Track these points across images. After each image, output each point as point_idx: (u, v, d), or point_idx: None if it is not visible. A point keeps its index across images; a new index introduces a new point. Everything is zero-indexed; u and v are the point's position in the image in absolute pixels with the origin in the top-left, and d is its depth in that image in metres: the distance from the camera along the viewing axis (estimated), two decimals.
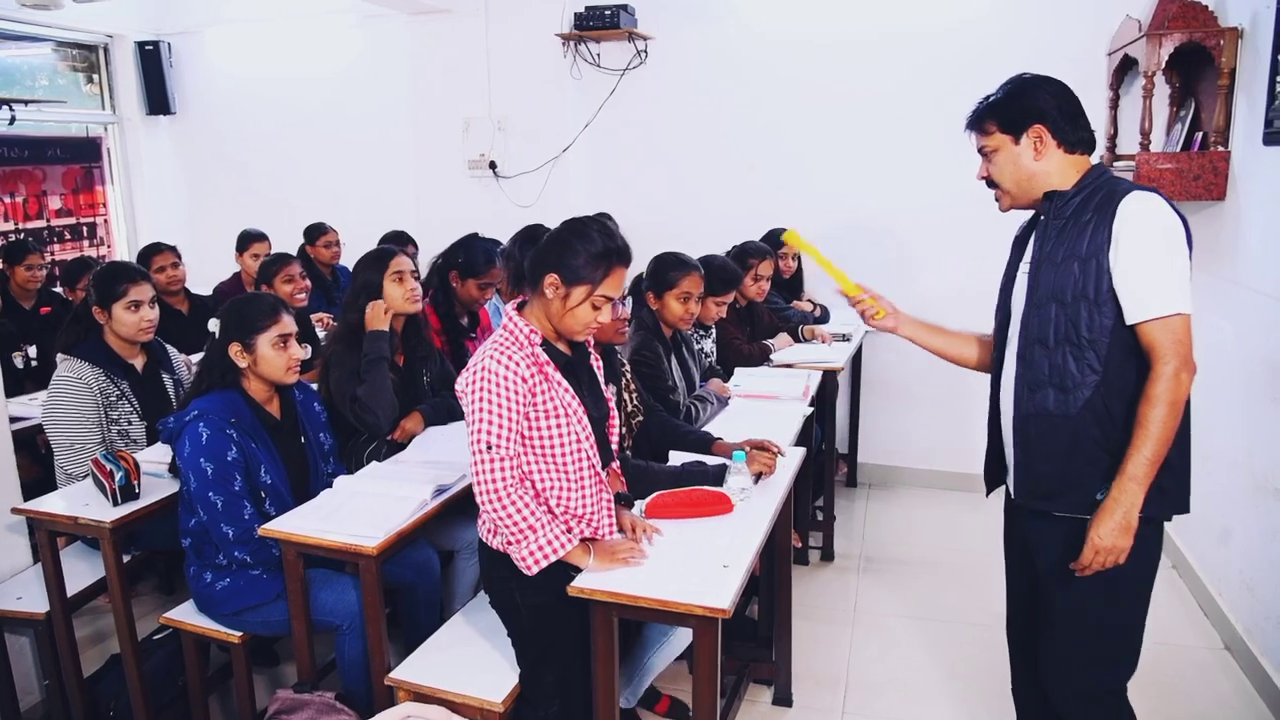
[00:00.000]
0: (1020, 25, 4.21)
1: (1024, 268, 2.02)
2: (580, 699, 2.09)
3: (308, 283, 3.98)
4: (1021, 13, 4.21)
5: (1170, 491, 1.88)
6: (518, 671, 2.13)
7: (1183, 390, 1.77)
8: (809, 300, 4.52)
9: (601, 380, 2.22)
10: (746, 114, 4.70)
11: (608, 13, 4.52)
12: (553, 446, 2.00)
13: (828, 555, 3.95)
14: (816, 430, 3.85)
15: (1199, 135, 3.57)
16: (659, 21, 4.74)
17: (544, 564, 1.96)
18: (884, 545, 4.11)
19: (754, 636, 3.01)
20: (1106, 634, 1.94)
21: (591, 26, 4.58)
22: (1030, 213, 2.09)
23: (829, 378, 3.78)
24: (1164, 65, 3.43)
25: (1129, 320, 1.81)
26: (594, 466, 2.06)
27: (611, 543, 2.05)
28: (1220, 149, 3.38)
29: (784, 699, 2.92)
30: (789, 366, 3.78)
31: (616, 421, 2.24)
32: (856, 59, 4.50)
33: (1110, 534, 1.79)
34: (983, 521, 4.31)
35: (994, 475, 2.18)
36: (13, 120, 4.90)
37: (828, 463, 3.99)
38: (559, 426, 1.99)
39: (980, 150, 2.01)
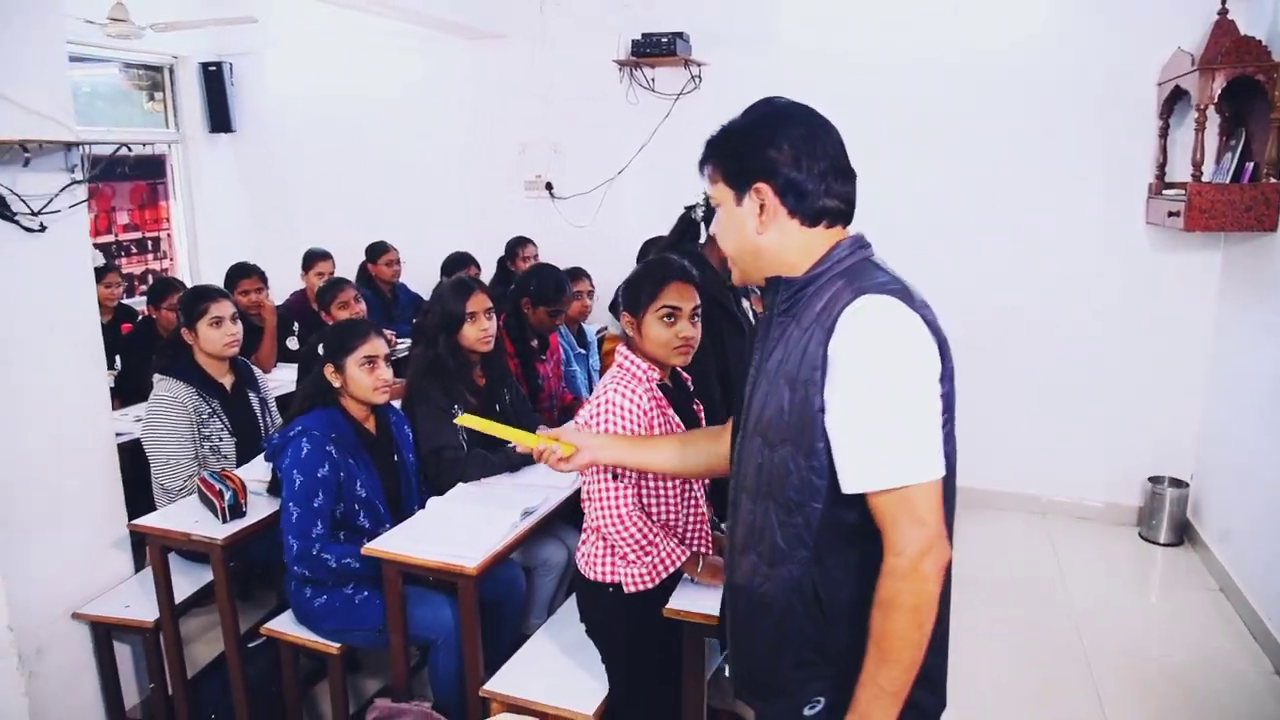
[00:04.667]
0: (1070, 51, 4.28)
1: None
2: (669, 713, 2.22)
3: (362, 306, 4.12)
4: (1071, 38, 4.28)
5: (930, 710, 1.43)
6: (606, 686, 2.27)
7: (928, 588, 1.26)
8: None
9: (701, 416, 2.36)
10: None
11: (664, 40, 4.66)
12: (665, 477, 2.14)
13: None
14: None
15: (1249, 166, 3.65)
16: (713, 49, 4.87)
17: (662, 576, 2.12)
18: None
19: None
20: None
21: (648, 54, 4.71)
22: None
23: None
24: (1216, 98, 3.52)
25: (844, 487, 1.29)
26: (697, 499, 2.20)
27: (719, 561, 2.17)
28: (1272, 180, 3.46)
29: None
30: None
31: None
32: (905, 82, 4.58)
33: None
34: (1027, 538, 4.41)
35: None
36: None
37: None
38: None
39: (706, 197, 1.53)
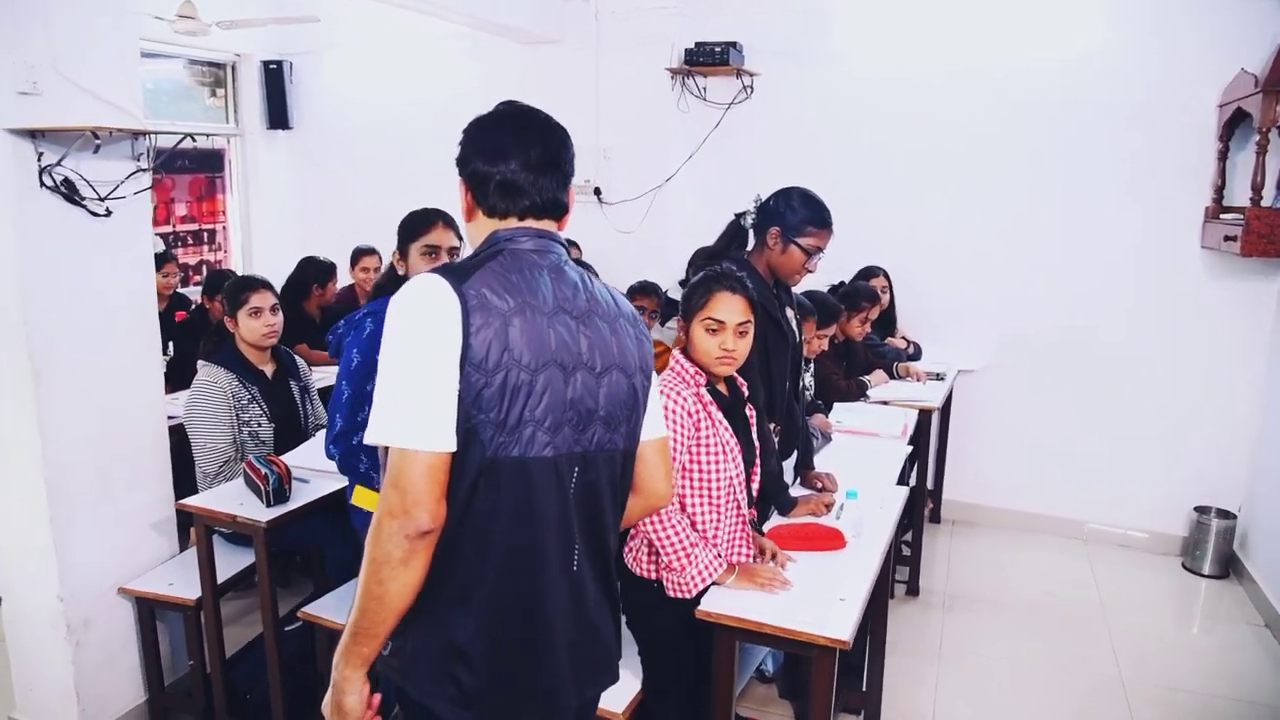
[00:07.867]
0: (1129, 71, 4.23)
1: None
2: (701, 714, 2.23)
3: None
4: (1130, 58, 4.23)
5: (469, 690, 1.40)
6: (638, 684, 2.27)
7: (387, 548, 1.30)
8: (902, 337, 4.60)
9: (754, 430, 2.35)
10: (848, 148, 4.79)
11: (718, 50, 4.67)
12: (709, 481, 2.15)
13: (913, 590, 4.01)
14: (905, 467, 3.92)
15: None
16: (765, 59, 4.88)
17: (700, 586, 2.11)
18: (969, 583, 4.16)
19: (846, 664, 3.10)
20: None
21: (701, 63, 4.73)
22: None
23: (924, 416, 3.86)
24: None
25: None
26: (739, 503, 2.20)
27: (755, 567, 2.19)
28: None
29: None
30: (884, 403, 3.87)
31: (759, 469, 2.38)
32: (959, 100, 4.56)
33: (324, 707, 1.42)
34: (1068, 565, 4.34)
35: None
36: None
37: (918, 499, 4.06)
38: (717, 462, 2.15)
39: None
